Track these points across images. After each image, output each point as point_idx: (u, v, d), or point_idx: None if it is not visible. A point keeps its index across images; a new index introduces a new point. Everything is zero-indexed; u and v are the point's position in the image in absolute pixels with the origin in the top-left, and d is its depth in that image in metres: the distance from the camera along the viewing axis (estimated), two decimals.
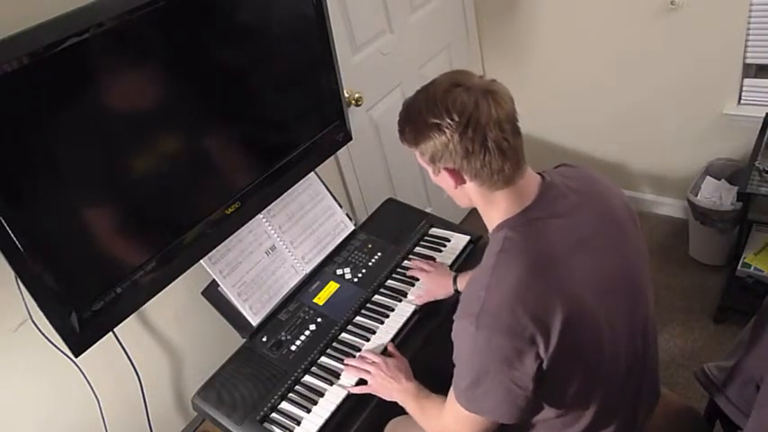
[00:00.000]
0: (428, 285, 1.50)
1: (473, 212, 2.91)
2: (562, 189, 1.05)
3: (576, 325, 0.94)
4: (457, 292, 1.45)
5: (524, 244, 0.98)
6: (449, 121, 0.93)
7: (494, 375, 0.96)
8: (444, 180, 1.02)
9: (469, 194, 1.03)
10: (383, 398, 1.30)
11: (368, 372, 1.32)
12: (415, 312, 1.47)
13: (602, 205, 1.08)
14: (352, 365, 1.35)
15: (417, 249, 1.65)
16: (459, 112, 0.93)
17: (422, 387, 1.26)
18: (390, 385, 1.28)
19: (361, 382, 1.33)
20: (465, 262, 1.59)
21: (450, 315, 1.02)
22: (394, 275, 1.58)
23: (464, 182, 1.00)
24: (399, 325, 1.44)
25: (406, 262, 1.61)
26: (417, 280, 1.54)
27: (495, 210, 1.02)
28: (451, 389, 1.05)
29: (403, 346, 1.41)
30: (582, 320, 0.96)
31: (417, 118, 0.98)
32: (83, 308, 1.13)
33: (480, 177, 0.97)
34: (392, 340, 1.42)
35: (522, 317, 0.92)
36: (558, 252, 0.98)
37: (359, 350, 1.41)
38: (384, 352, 1.39)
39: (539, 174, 1.06)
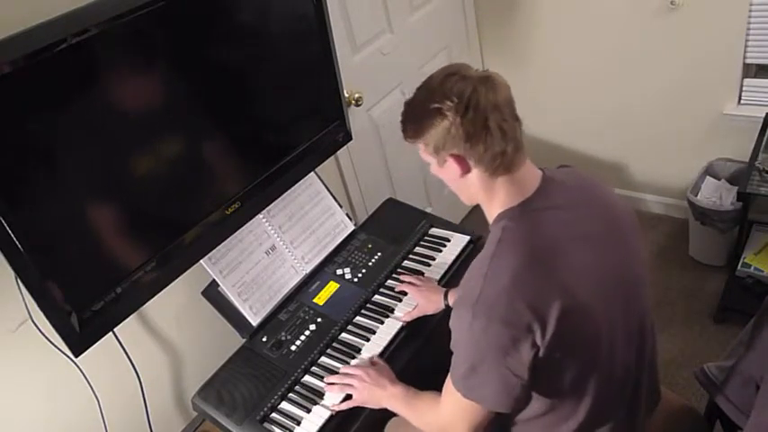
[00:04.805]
0: (418, 301, 1.46)
1: (473, 212, 2.91)
2: (563, 184, 1.05)
3: (573, 315, 0.95)
4: (448, 308, 1.41)
5: (523, 234, 0.98)
6: (449, 103, 0.95)
7: (490, 363, 0.96)
8: (450, 170, 1.01)
9: (473, 185, 1.02)
10: (372, 407, 1.28)
11: (351, 386, 1.29)
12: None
13: (601, 205, 1.09)
14: (334, 383, 1.32)
15: (417, 249, 1.65)
16: (459, 95, 0.95)
17: (408, 388, 1.24)
18: (377, 393, 1.26)
19: (347, 397, 1.30)
20: (455, 274, 1.56)
21: (449, 315, 1.03)
22: (394, 276, 1.58)
23: (469, 169, 1.00)
24: (399, 325, 1.44)
25: (397, 275, 1.57)
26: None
27: (496, 200, 1.02)
28: (448, 378, 1.05)
29: (403, 346, 1.41)
30: (579, 311, 0.96)
31: (418, 108, 1.00)
32: (83, 308, 1.13)
33: (483, 162, 0.98)
34: (392, 341, 1.42)
35: (518, 306, 0.93)
36: (557, 243, 0.99)
37: (359, 350, 1.41)
38: None
39: (539, 169, 1.06)
